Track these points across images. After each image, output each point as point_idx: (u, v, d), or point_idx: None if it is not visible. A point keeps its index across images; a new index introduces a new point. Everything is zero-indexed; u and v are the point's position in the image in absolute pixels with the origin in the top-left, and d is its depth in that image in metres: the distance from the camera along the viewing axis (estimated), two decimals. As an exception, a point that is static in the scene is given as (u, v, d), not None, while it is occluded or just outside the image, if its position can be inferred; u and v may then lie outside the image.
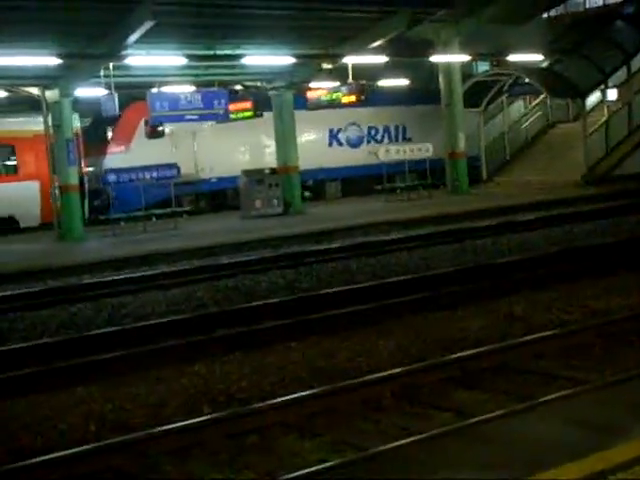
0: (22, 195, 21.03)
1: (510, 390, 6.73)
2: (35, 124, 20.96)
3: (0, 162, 22.90)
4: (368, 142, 28.53)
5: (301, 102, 23.87)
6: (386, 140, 28.71)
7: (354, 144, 28.03)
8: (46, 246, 19.47)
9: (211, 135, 24.97)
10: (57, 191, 20.56)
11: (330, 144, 27.88)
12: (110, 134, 24.98)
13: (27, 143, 22.41)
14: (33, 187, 22.33)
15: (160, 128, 23.97)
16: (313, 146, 26.61)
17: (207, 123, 23.96)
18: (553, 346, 7.77)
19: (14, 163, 22.88)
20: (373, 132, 28.88)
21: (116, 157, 24.04)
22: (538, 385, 6.81)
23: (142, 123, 24.10)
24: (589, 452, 4.66)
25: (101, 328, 10.16)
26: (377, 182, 25.34)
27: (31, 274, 15.06)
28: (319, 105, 23.51)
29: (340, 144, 28.09)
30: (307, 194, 27.15)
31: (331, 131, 27.95)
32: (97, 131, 24.79)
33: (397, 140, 28.41)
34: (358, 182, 25.98)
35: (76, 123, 21.89)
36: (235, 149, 26.00)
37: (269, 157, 25.24)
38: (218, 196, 26.14)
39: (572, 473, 4.45)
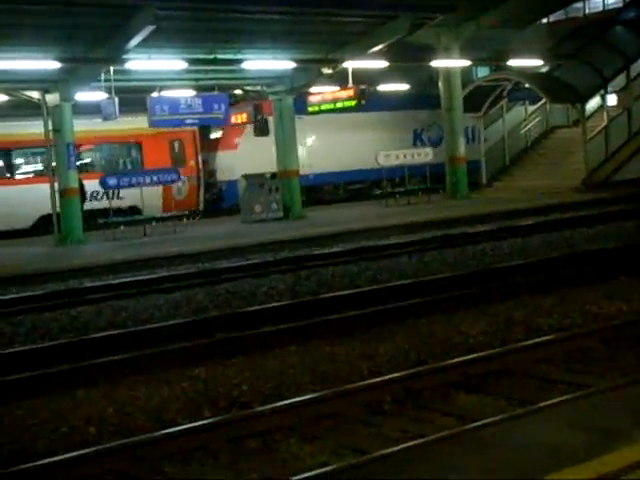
0: (146, 187, 22.28)
1: (511, 394, 6.74)
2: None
3: (129, 157, 25.43)
4: None
5: (393, 103, 27.31)
6: (463, 140, 29.40)
7: (435, 143, 28.96)
8: (47, 249, 19.47)
9: (311, 132, 26.02)
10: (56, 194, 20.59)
11: (415, 143, 29.37)
12: (213, 134, 27.01)
13: (151, 140, 24.74)
14: None
15: (266, 127, 25.16)
16: (401, 144, 27.77)
17: (306, 119, 25.01)
18: (554, 351, 7.77)
19: (140, 158, 25.32)
20: None
21: (227, 154, 25.95)
22: (539, 390, 6.82)
23: None
24: (591, 456, 4.66)
25: (102, 331, 10.15)
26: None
27: (32, 277, 15.07)
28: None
29: (423, 143, 29.43)
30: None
31: (415, 131, 29.55)
32: (206, 129, 26.53)
33: (473, 142, 29.32)
34: (438, 178, 26.65)
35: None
36: (333, 146, 27.27)
37: (364, 154, 26.27)
38: (315, 191, 27.24)
39: (575, 476, 4.45)
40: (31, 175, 24.14)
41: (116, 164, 25.43)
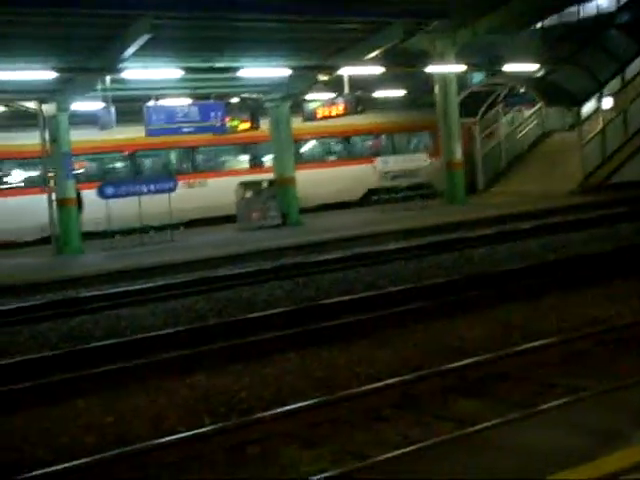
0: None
1: (510, 398, 6.74)
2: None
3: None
4: None
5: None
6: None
7: None
8: (44, 260, 19.47)
9: None
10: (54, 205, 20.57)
11: None
12: None
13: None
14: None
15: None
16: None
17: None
18: (552, 354, 7.78)
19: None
20: None
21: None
22: (538, 393, 6.82)
23: None
24: (590, 458, 4.67)
25: (100, 340, 10.15)
26: None
27: (31, 287, 15.05)
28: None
29: None
30: None
31: None
32: None
33: None
34: None
35: None
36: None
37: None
38: None
39: (575, 477, 4.46)
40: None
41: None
